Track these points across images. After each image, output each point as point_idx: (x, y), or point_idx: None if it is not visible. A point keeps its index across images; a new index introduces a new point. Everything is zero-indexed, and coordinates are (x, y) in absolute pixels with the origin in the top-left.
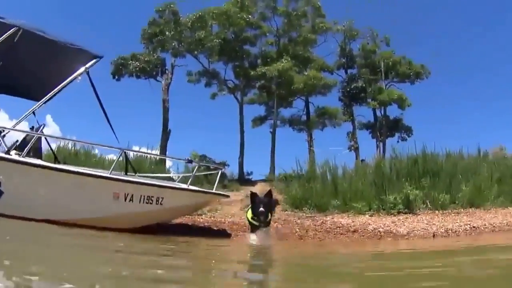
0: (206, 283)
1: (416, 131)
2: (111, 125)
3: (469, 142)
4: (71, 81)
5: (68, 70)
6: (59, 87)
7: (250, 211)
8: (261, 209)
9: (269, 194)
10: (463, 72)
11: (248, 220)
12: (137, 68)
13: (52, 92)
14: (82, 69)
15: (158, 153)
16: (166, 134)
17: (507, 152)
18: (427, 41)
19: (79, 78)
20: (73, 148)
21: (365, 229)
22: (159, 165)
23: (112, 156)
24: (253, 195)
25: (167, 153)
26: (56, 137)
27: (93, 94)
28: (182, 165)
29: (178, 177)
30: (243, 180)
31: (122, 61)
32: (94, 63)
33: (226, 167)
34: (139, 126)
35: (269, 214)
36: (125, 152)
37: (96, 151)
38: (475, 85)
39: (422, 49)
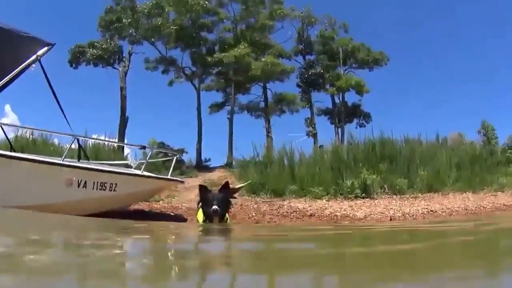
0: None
1: (374, 118)
2: (63, 112)
3: (428, 128)
4: (23, 70)
5: (19, 59)
6: (10, 75)
7: (200, 212)
8: (215, 207)
9: (225, 186)
10: (421, 58)
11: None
12: (94, 56)
13: (3, 80)
14: (33, 57)
15: (116, 141)
16: (123, 121)
17: (465, 139)
18: (386, 28)
19: (33, 66)
20: (31, 137)
21: (322, 213)
22: (117, 152)
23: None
24: (202, 189)
25: (125, 140)
26: (9, 125)
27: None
28: (139, 152)
29: (135, 163)
30: (201, 166)
31: (80, 49)
32: (46, 51)
33: (184, 153)
34: (98, 115)
35: (226, 213)
36: (77, 139)
37: (56, 140)
38: (433, 72)
39: (380, 36)
